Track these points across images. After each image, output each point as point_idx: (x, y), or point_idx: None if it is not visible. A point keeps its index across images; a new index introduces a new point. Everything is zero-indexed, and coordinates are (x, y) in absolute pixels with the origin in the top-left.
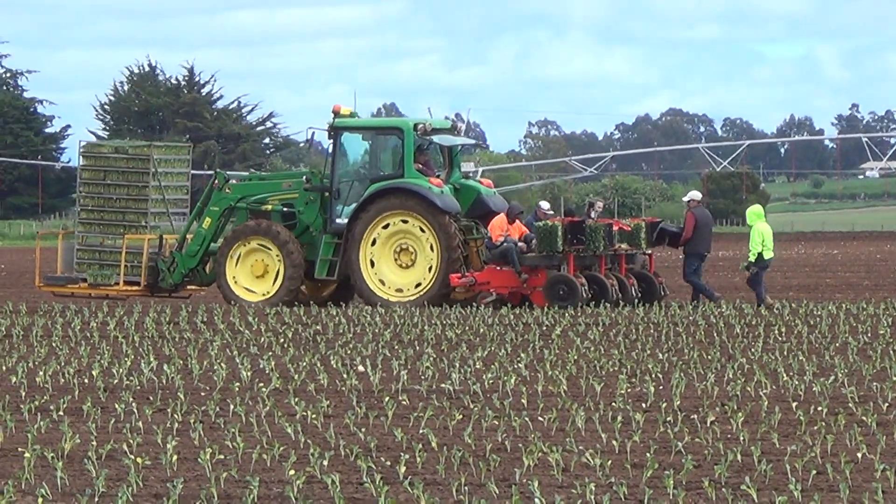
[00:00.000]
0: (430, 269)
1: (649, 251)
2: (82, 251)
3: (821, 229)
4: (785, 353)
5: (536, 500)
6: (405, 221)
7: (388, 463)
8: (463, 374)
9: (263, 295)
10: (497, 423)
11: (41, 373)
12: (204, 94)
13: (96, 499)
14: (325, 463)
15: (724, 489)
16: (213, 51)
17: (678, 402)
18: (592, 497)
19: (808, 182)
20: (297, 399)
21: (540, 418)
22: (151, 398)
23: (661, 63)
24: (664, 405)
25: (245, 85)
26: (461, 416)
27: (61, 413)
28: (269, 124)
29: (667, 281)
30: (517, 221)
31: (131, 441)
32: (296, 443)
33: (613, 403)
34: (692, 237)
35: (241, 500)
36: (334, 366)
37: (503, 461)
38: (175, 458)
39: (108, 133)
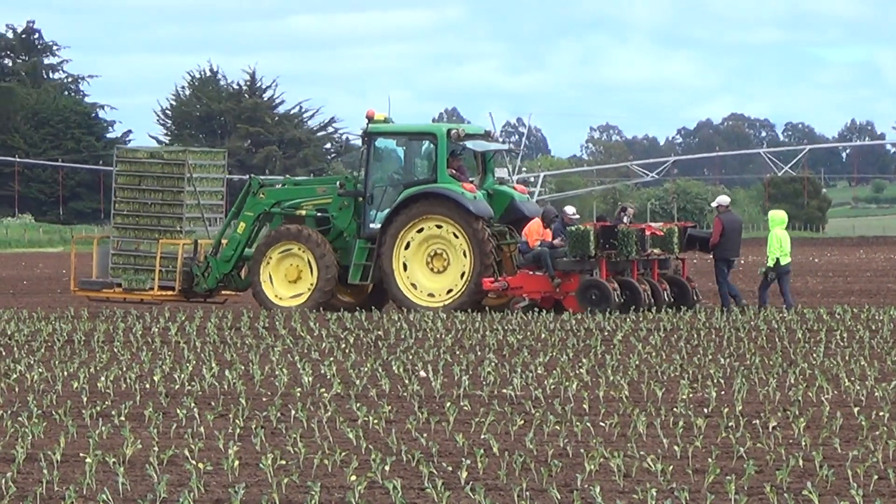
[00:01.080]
0: (462, 274)
1: (682, 256)
2: (117, 256)
3: (882, 234)
4: (847, 358)
5: None
6: (438, 226)
7: (450, 468)
8: (524, 379)
9: (309, 289)
10: (559, 428)
11: (103, 378)
12: (265, 98)
13: None
14: (387, 468)
15: (785, 494)
16: (274, 55)
17: (740, 408)
18: (654, 502)
19: (870, 186)
20: (358, 404)
21: (601, 423)
22: (213, 403)
23: (722, 67)
24: (726, 410)
25: (306, 90)
26: (523, 422)
27: (123, 418)
28: (330, 129)
29: (700, 286)
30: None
31: (193, 446)
32: (357, 448)
33: (675, 409)
34: (719, 242)
35: None
36: (396, 371)
37: (565, 466)
38: (237, 463)
39: (169, 138)
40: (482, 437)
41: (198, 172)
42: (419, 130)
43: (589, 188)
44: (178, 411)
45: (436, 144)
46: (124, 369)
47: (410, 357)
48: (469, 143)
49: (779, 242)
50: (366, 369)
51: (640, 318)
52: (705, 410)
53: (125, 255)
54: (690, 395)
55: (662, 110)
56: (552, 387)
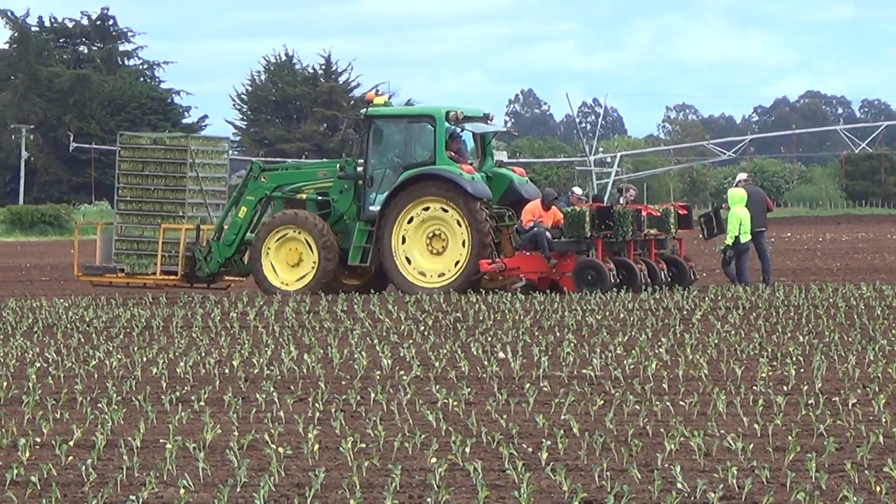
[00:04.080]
0: (457, 262)
1: (679, 236)
2: (120, 241)
3: None
4: None
5: (679, 484)
6: (444, 210)
7: (530, 449)
8: (604, 359)
9: (310, 272)
10: (638, 408)
11: (182, 364)
12: (341, 82)
13: (238, 489)
14: (467, 450)
15: (866, 471)
16: (349, 38)
17: (819, 385)
18: (734, 481)
19: None
20: (438, 386)
21: (681, 403)
22: (292, 388)
23: (797, 45)
24: (805, 388)
25: (382, 73)
26: (602, 402)
27: (202, 404)
28: None
29: (697, 265)
30: (553, 207)
31: (272, 431)
32: (437, 430)
33: (754, 387)
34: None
35: (384, 488)
36: (475, 353)
37: (645, 446)
38: (316, 447)
39: (245, 123)
40: (562, 417)
41: (200, 158)
42: (418, 113)
43: (666, 167)
44: (258, 396)
45: (434, 127)
46: (203, 354)
47: (489, 339)
48: (468, 126)
49: (738, 221)
50: (445, 351)
51: (719, 297)
52: (785, 388)
53: (128, 240)
54: (770, 374)
55: (738, 88)
56: (631, 366)
